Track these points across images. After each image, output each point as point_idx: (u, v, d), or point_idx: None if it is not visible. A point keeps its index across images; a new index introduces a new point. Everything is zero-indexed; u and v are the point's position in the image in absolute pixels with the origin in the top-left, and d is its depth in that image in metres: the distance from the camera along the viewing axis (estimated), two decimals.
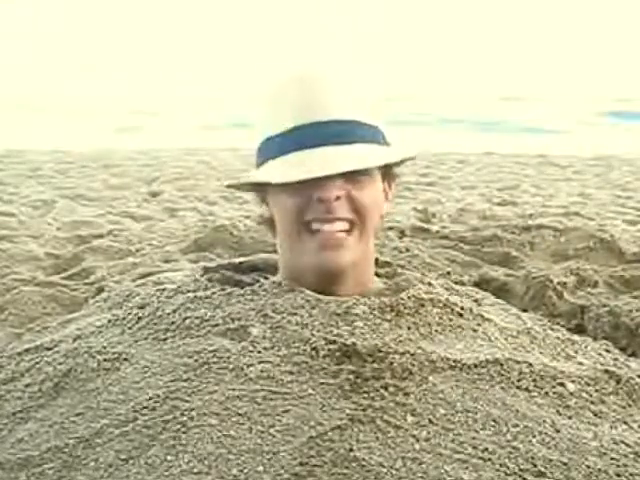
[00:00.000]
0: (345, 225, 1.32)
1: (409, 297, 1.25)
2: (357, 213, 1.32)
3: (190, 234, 3.43)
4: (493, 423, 1.01)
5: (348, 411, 1.00)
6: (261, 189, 1.37)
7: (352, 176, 1.31)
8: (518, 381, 1.11)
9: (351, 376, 1.07)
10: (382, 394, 1.04)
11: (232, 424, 0.98)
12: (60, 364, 1.16)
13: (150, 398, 1.03)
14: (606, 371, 1.19)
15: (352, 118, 1.33)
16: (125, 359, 1.13)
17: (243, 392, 1.03)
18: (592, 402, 1.11)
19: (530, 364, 1.14)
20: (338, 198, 1.31)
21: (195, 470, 0.91)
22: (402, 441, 0.96)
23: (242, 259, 1.53)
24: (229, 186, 1.45)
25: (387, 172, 1.39)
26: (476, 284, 2.30)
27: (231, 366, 1.08)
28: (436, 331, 1.22)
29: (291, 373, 1.07)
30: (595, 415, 1.09)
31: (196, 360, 1.09)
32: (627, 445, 1.02)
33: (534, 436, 1.00)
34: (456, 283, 1.56)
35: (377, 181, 1.35)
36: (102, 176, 6.18)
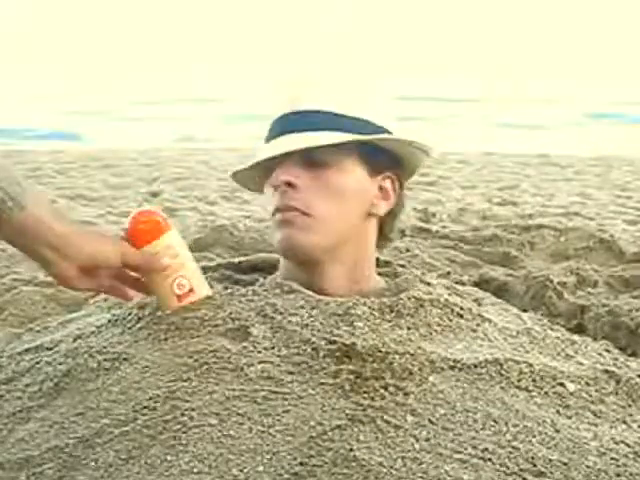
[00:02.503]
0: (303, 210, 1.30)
1: (409, 298, 1.26)
2: (313, 202, 1.30)
3: (190, 234, 3.43)
4: (493, 423, 1.01)
5: (348, 411, 1.00)
6: None
7: (311, 162, 1.30)
8: (518, 381, 1.11)
9: (351, 376, 1.07)
10: (382, 394, 1.04)
11: (232, 424, 0.98)
12: (60, 364, 1.16)
13: (150, 398, 1.03)
14: (606, 371, 1.19)
15: (330, 109, 1.31)
16: (125, 359, 1.13)
17: (243, 392, 1.03)
18: (592, 402, 1.11)
19: (530, 364, 1.14)
20: (291, 185, 1.30)
21: (195, 470, 0.91)
22: (402, 441, 0.96)
23: (242, 259, 1.53)
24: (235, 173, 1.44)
25: (376, 167, 1.35)
26: (476, 284, 2.30)
27: (231, 366, 1.08)
28: (436, 331, 1.22)
29: (291, 373, 1.08)
30: (595, 415, 1.09)
31: (196, 360, 1.09)
32: (627, 445, 1.02)
33: (534, 436, 1.00)
34: (456, 283, 1.56)
35: (349, 172, 1.32)
36: (102, 176, 6.18)
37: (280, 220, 1.31)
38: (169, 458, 0.93)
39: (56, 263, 1.10)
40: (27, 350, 1.26)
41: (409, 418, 1.00)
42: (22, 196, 1.07)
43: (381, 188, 1.37)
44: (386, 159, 1.36)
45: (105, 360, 1.13)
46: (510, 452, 0.96)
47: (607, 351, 1.35)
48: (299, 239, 1.30)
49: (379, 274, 1.45)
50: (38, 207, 1.08)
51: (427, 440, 0.97)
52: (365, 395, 1.03)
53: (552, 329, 1.40)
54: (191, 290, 1.23)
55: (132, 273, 1.22)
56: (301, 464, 0.91)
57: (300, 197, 1.30)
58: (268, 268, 1.45)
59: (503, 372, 1.12)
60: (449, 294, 1.34)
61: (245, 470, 0.91)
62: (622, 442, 1.03)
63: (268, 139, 1.35)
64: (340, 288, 1.34)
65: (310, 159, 1.31)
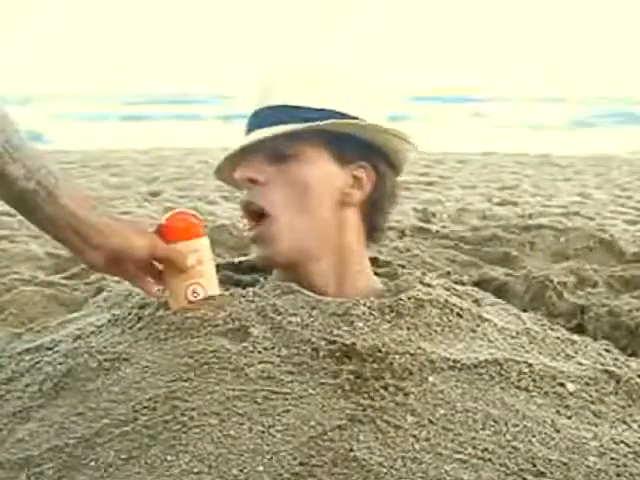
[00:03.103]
0: (261, 212, 1.31)
1: (409, 298, 1.25)
2: (278, 198, 1.30)
3: None
4: (493, 423, 1.01)
5: (348, 411, 1.00)
6: None
7: (274, 156, 1.30)
8: (518, 381, 1.11)
9: (351, 376, 1.07)
10: (382, 394, 1.04)
11: (232, 424, 0.98)
12: (60, 364, 1.16)
13: (150, 398, 1.03)
14: (606, 371, 1.19)
15: (293, 103, 1.31)
16: (125, 359, 1.13)
17: (243, 392, 1.03)
18: (592, 402, 1.11)
19: (530, 364, 1.14)
20: (253, 181, 1.30)
21: (195, 470, 0.91)
22: (402, 441, 0.96)
23: (242, 259, 1.53)
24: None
25: (347, 156, 1.33)
26: (476, 284, 2.30)
27: (231, 366, 1.08)
28: (436, 331, 1.22)
29: (291, 373, 1.08)
30: (595, 415, 1.09)
31: (196, 360, 1.09)
32: (627, 445, 1.02)
33: (534, 436, 1.00)
34: (456, 283, 1.56)
35: (314, 162, 1.31)
36: (102, 176, 6.18)
37: (250, 238, 1.34)
38: (169, 458, 0.93)
39: (85, 251, 1.14)
40: (27, 350, 1.26)
41: (409, 418, 1.00)
42: (56, 187, 1.11)
43: (355, 177, 1.35)
44: (358, 148, 1.33)
45: (105, 360, 1.13)
46: (510, 452, 0.96)
47: (607, 351, 1.35)
48: (267, 253, 1.32)
49: (378, 274, 1.45)
50: (71, 198, 1.11)
51: (427, 440, 0.97)
52: (365, 395, 1.04)
53: (552, 329, 1.40)
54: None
55: (159, 266, 1.24)
56: (301, 464, 0.91)
57: (263, 192, 1.30)
58: (267, 268, 1.45)
59: (503, 372, 1.12)
60: (449, 294, 1.34)
61: (245, 470, 0.91)
62: (622, 442, 1.03)
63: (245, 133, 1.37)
64: (328, 284, 1.33)
65: (273, 153, 1.31)
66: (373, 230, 1.40)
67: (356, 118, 1.32)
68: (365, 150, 1.34)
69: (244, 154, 1.33)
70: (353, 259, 1.37)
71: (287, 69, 1.37)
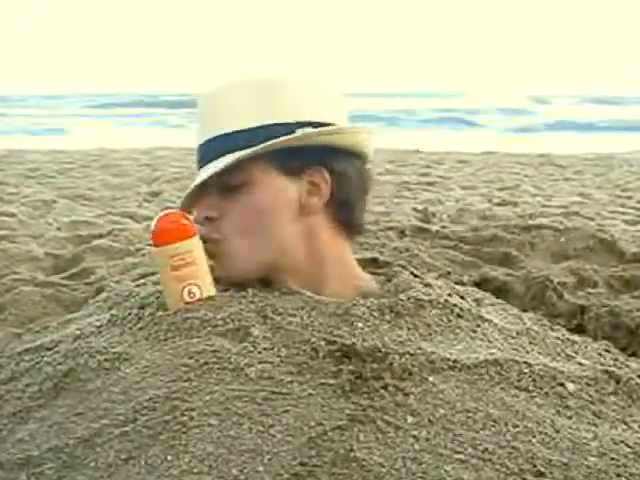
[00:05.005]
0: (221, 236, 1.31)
1: (408, 298, 1.25)
2: (235, 228, 1.31)
3: None
4: (493, 423, 1.01)
5: (348, 411, 1.00)
6: None
7: (225, 188, 1.32)
8: (518, 381, 1.11)
9: (351, 376, 1.07)
10: (382, 394, 1.04)
11: (232, 424, 0.98)
12: (60, 364, 1.16)
13: (150, 398, 1.03)
14: (606, 371, 1.19)
15: (229, 130, 1.31)
16: (125, 359, 1.13)
17: (243, 392, 1.03)
18: (592, 402, 1.11)
19: (530, 364, 1.14)
20: (209, 219, 1.32)
21: (195, 470, 0.91)
22: (402, 441, 0.96)
23: None
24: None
25: (296, 167, 1.32)
26: (476, 284, 2.30)
27: (231, 366, 1.08)
28: (435, 332, 1.22)
29: (291, 373, 1.08)
30: (595, 415, 1.09)
31: (196, 360, 1.09)
32: (627, 445, 1.02)
33: (534, 436, 1.00)
34: (456, 283, 1.56)
35: (264, 185, 1.31)
36: (102, 176, 6.18)
37: (209, 266, 1.32)
38: (169, 458, 0.93)
39: None
40: (27, 350, 1.26)
41: (409, 418, 1.00)
42: None
43: (312, 183, 1.34)
44: (308, 155, 1.32)
45: (105, 360, 1.13)
46: (510, 452, 0.96)
47: (607, 351, 1.35)
48: (222, 273, 1.31)
49: (378, 274, 1.45)
50: None
51: (427, 440, 0.97)
52: (365, 395, 1.03)
53: (552, 329, 1.40)
54: (200, 300, 1.24)
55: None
56: (301, 464, 0.91)
57: (218, 226, 1.31)
58: None
59: (503, 372, 1.12)
60: (449, 294, 1.34)
61: (245, 470, 0.91)
62: (622, 442, 1.03)
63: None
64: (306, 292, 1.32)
65: (224, 186, 1.31)
66: (350, 226, 1.39)
67: (304, 124, 1.31)
68: (315, 155, 1.33)
69: (198, 191, 1.34)
70: (331, 263, 1.36)
71: (222, 90, 1.35)
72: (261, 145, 1.28)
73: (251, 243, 1.31)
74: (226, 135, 1.31)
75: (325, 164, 1.34)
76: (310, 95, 1.36)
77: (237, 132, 1.31)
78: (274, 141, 1.28)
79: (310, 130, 1.31)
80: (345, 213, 1.37)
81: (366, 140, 1.37)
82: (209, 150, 1.33)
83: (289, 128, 1.30)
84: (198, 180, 1.32)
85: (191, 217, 1.31)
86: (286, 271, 1.33)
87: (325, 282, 1.35)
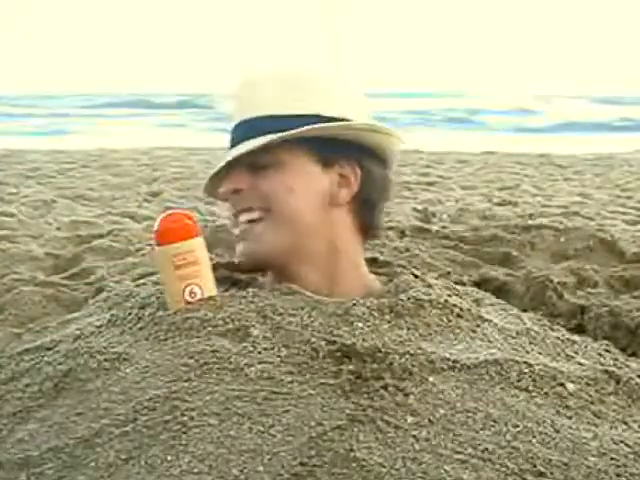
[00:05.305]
0: (253, 215, 1.33)
1: (408, 298, 1.26)
2: (263, 201, 1.32)
3: None
4: (493, 423, 1.01)
5: (348, 411, 1.00)
6: None
7: (255, 167, 1.32)
8: (518, 381, 1.11)
9: (351, 376, 1.07)
10: (382, 394, 1.04)
11: (232, 424, 0.98)
12: (60, 364, 1.16)
13: (150, 398, 1.03)
14: (606, 371, 1.19)
15: (271, 113, 1.33)
16: (125, 359, 1.13)
17: (243, 392, 1.03)
18: (592, 402, 1.11)
19: (530, 364, 1.14)
20: (237, 191, 1.33)
21: (195, 470, 0.91)
22: (402, 441, 0.96)
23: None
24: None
25: (330, 157, 1.34)
26: (476, 284, 2.31)
27: (231, 366, 1.08)
28: (435, 332, 1.22)
29: (291, 373, 1.08)
30: (595, 415, 1.09)
31: (196, 360, 1.09)
32: (627, 445, 1.02)
33: (534, 436, 1.00)
34: (456, 283, 1.56)
35: (295, 170, 1.33)
36: (102, 176, 6.19)
37: (236, 235, 1.35)
38: (169, 458, 0.93)
39: None
40: (27, 350, 1.26)
41: (409, 418, 1.00)
42: None
43: (342, 175, 1.35)
44: (341, 148, 1.34)
45: (105, 360, 1.13)
46: (510, 452, 0.96)
47: (607, 351, 1.35)
48: (249, 250, 1.33)
49: (378, 274, 1.45)
50: None
51: (427, 440, 0.97)
52: (365, 395, 1.03)
53: (552, 329, 1.40)
54: (201, 300, 1.25)
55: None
56: (301, 464, 0.91)
57: (250, 197, 1.32)
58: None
59: (503, 372, 1.12)
60: (449, 294, 1.34)
61: (245, 470, 0.91)
62: (622, 442, 1.03)
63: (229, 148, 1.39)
64: (320, 285, 1.33)
65: (254, 164, 1.33)
66: (368, 227, 1.41)
67: (337, 119, 1.33)
68: (349, 149, 1.35)
69: (227, 170, 1.35)
70: (346, 259, 1.37)
71: (262, 77, 1.38)
72: (299, 129, 1.29)
73: (275, 223, 1.32)
74: (261, 118, 1.33)
75: (356, 159, 1.36)
76: (343, 92, 1.39)
77: (272, 116, 1.33)
78: (313, 126, 1.30)
79: (346, 123, 1.33)
80: (366, 213, 1.39)
81: (394, 145, 1.39)
82: (242, 131, 1.35)
83: (322, 120, 1.32)
84: (230, 155, 1.33)
85: (195, 218, 1.31)
86: (303, 260, 1.34)
87: (338, 278, 1.36)
